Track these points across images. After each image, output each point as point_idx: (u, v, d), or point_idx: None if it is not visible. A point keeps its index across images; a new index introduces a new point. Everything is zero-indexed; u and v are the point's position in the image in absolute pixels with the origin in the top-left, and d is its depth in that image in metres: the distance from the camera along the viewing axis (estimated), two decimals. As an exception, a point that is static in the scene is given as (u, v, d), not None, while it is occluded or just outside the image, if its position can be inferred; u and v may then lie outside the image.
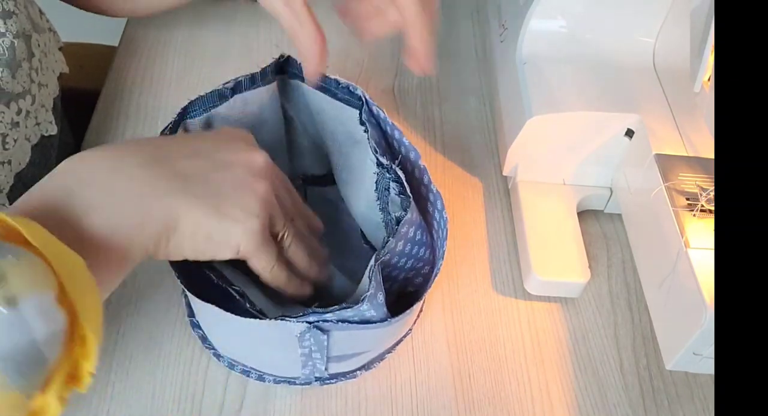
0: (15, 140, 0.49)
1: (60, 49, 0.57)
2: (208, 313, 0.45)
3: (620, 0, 0.57)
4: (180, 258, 0.41)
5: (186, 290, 0.44)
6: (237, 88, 0.49)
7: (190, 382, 0.50)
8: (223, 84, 0.49)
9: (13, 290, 0.31)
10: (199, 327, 0.51)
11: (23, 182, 0.51)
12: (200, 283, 0.44)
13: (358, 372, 0.50)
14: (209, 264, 0.44)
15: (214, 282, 0.44)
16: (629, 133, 0.55)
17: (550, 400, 0.51)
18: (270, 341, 0.45)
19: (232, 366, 0.50)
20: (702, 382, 0.52)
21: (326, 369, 0.48)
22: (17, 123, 0.49)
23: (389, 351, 0.51)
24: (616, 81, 0.58)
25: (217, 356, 0.50)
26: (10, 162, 0.49)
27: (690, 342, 0.44)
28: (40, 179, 0.54)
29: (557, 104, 0.56)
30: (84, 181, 0.38)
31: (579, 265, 0.55)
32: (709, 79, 0.48)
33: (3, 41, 0.47)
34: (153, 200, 0.38)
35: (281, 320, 0.42)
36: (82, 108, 0.67)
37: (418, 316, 0.54)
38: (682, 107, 0.55)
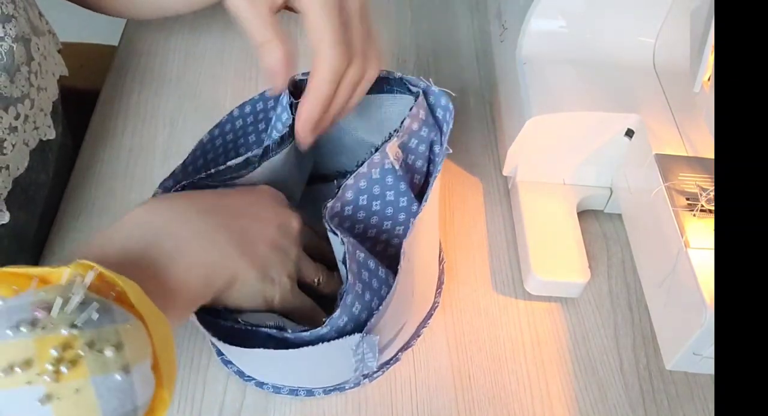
0: (13, 145, 0.49)
1: (59, 51, 0.57)
2: (254, 355, 0.45)
3: (620, 0, 0.57)
4: (219, 306, 0.43)
5: (224, 341, 0.43)
6: (265, 153, 0.49)
7: (190, 382, 0.50)
8: (252, 153, 0.48)
9: (128, 358, 0.31)
10: (232, 363, 0.50)
11: (21, 186, 0.51)
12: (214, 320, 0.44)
13: (399, 353, 0.51)
14: (232, 317, 0.45)
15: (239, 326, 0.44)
16: (629, 133, 0.55)
17: (550, 400, 0.51)
18: (326, 359, 0.45)
19: (278, 390, 0.50)
20: (702, 382, 0.52)
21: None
22: (15, 128, 0.49)
23: (423, 325, 0.52)
24: (616, 81, 0.58)
25: (260, 384, 0.50)
26: (8, 167, 0.49)
27: (690, 342, 0.44)
28: (37, 183, 0.54)
29: (557, 104, 0.56)
30: (160, 233, 0.39)
31: (579, 265, 0.55)
32: (709, 79, 0.48)
33: (2, 46, 0.47)
34: (219, 258, 0.41)
35: (339, 339, 0.43)
36: (81, 108, 0.67)
37: (440, 286, 0.55)
38: (682, 107, 0.55)
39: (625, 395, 0.51)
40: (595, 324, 0.55)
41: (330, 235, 0.45)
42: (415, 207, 0.48)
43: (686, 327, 0.44)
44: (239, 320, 0.43)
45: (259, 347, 0.42)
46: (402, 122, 0.48)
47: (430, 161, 0.51)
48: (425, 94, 0.50)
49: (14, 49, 0.48)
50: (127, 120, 0.66)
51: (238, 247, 0.42)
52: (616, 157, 0.57)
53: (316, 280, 0.48)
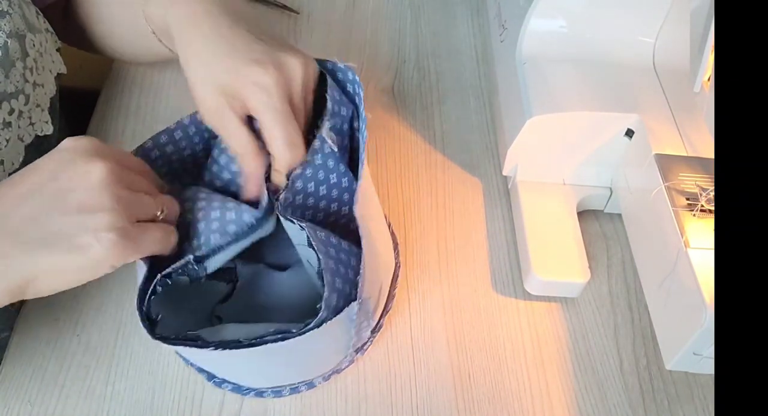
0: (7, 140, 0.49)
1: (58, 50, 0.57)
2: (257, 355, 0.44)
3: (620, 0, 0.57)
4: (55, 292, 0.42)
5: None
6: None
7: (190, 382, 0.50)
8: None
9: None
10: (227, 381, 0.50)
11: None
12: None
13: (382, 319, 0.52)
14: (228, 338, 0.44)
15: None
16: (629, 133, 0.56)
17: (550, 400, 0.51)
18: (328, 338, 0.45)
19: (278, 392, 0.49)
20: (702, 382, 0.52)
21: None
22: (9, 123, 0.49)
23: (394, 286, 0.54)
24: (616, 81, 0.58)
25: (259, 394, 0.49)
26: (2, 162, 0.49)
27: (690, 342, 0.44)
28: None
29: (557, 104, 0.56)
30: None
31: (579, 265, 0.55)
32: (709, 79, 0.48)
33: None
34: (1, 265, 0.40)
35: (340, 314, 0.43)
36: (81, 108, 0.67)
37: (396, 248, 0.57)
38: (682, 107, 0.55)
39: (625, 395, 0.51)
40: (595, 324, 0.55)
41: (287, 224, 0.46)
42: (355, 185, 0.50)
43: (686, 327, 0.44)
44: (240, 340, 0.43)
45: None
46: (326, 107, 0.49)
47: (350, 138, 0.53)
48: (332, 72, 0.52)
49: (8, 44, 0.48)
50: (126, 121, 0.66)
51: (21, 242, 0.40)
52: (616, 157, 0.57)
53: (158, 213, 0.45)
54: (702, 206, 0.47)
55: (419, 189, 0.63)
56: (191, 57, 0.50)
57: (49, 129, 0.54)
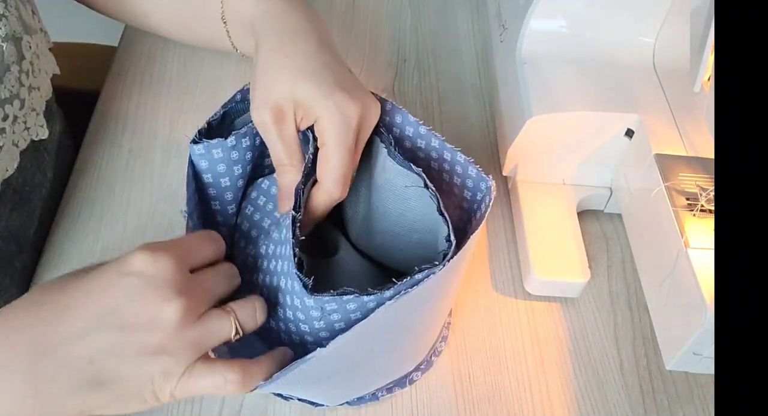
0: (0, 146, 0.48)
1: (50, 49, 0.56)
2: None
3: (620, 0, 0.57)
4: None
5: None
6: None
7: (190, 382, 0.50)
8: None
9: None
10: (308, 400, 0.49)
11: (13, 187, 0.51)
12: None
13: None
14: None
15: None
16: (629, 133, 0.56)
17: (550, 400, 0.51)
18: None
19: (376, 397, 0.49)
20: (702, 382, 0.52)
21: None
22: (3, 129, 0.48)
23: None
24: (616, 81, 0.58)
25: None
26: None
27: (690, 342, 0.44)
28: (32, 183, 0.54)
29: (557, 103, 0.56)
30: None
31: (579, 265, 0.55)
32: (709, 79, 0.48)
33: None
34: (50, 407, 0.37)
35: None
36: (81, 108, 0.67)
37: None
38: (682, 107, 0.55)
39: (625, 395, 0.51)
40: (595, 324, 0.55)
41: (397, 170, 0.46)
42: None
43: (686, 327, 0.44)
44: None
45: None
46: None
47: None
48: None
49: (4, 48, 0.47)
50: (127, 121, 0.66)
51: (76, 386, 0.37)
52: (616, 157, 0.57)
53: (233, 336, 0.40)
54: (702, 206, 0.47)
55: (419, 189, 0.63)
56: (281, 57, 0.47)
57: (44, 133, 0.53)
